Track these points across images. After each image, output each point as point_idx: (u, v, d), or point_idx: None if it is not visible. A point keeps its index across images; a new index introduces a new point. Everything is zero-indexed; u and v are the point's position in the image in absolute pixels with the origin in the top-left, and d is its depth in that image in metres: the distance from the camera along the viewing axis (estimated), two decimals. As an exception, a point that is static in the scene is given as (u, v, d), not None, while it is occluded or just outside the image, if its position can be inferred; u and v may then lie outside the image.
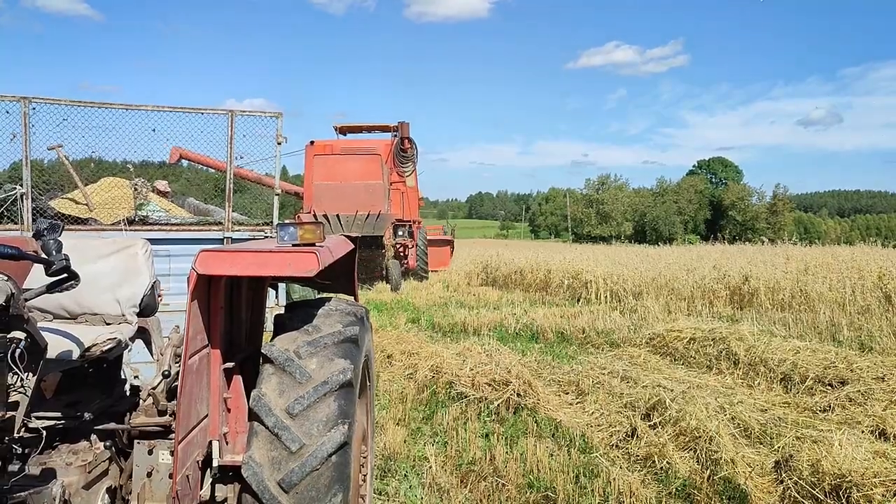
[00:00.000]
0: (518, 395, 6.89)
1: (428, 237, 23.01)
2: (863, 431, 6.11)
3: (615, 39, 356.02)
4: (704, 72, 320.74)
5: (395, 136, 20.40)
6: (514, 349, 9.78)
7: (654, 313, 11.86)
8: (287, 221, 3.97)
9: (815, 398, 7.12)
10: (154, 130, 5.66)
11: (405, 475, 5.27)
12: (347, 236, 4.04)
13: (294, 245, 3.08)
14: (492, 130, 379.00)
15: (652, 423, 6.25)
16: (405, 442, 5.95)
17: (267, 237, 6.10)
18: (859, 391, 6.92)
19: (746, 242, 23.57)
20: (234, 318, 3.54)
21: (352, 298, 4.25)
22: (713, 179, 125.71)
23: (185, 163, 22.51)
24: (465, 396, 7.06)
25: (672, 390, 7.33)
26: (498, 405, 6.82)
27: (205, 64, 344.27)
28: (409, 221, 20.53)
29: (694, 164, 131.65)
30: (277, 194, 6.13)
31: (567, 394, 7.42)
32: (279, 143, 6.11)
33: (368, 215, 17.09)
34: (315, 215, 17.11)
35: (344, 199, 17.14)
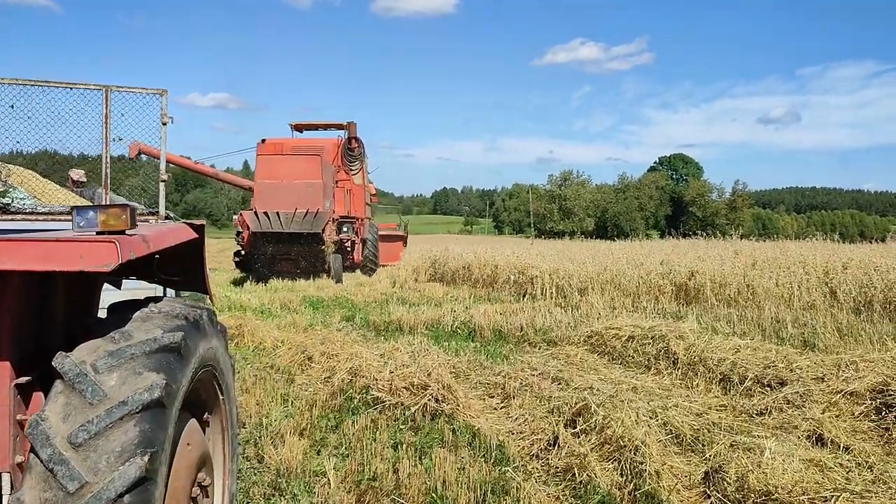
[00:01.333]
0: (436, 400, 6.36)
1: (380, 233, 23.58)
2: (799, 437, 5.73)
3: (581, 36, 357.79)
4: (668, 70, 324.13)
5: (343, 135, 21.16)
6: (448, 349, 9.28)
7: (597, 309, 11.44)
8: (87, 206, 3.33)
9: (752, 400, 6.71)
10: (12, 107, 4.91)
11: (295, 495, 4.71)
12: (194, 228, 3.45)
13: (98, 233, 2.52)
14: (458, 126, 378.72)
15: (576, 430, 5.77)
16: (305, 455, 5.37)
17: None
18: (797, 392, 6.53)
19: (700, 236, 23.36)
20: (47, 321, 2.95)
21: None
22: (674, 176, 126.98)
23: (144, 157, 23.42)
24: (381, 402, 6.52)
25: (602, 393, 6.88)
26: (414, 411, 6.29)
27: (167, 59, 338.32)
28: (355, 218, 20.99)
29: (655, 160, 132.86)
30: (164, 180, 5.45)
31: (492, 397, 6.92)
32: (164, 124, 5.43)
33: (307, 213, 18.02)
34: (256, 212, 18.22)
35: (284, 197, 18.17)
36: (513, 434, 5.93)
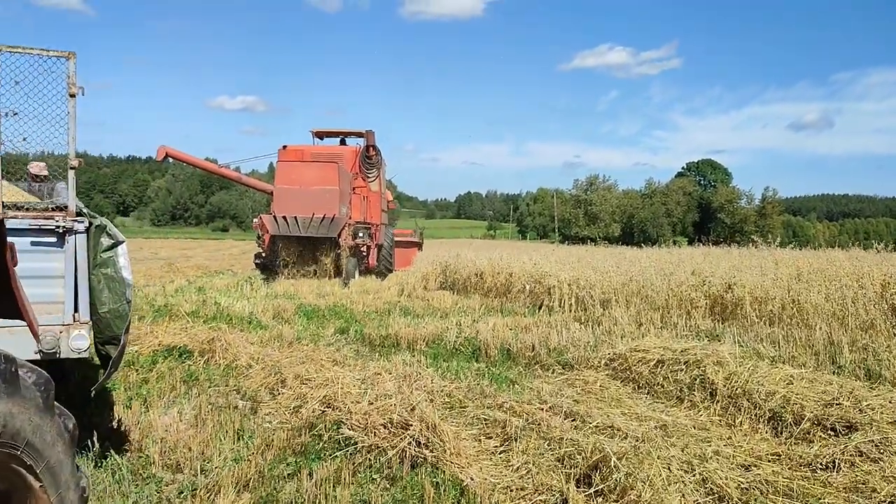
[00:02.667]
0: (418, 443, 5.14)
1: (395, 238, 24.32)
2: (880, 503, 4.44)
3: (609, 41, 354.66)
4: (697, 75, 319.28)
5: (362, 143, 21.92)
6: (447, 370, 8.05)
7: (621, 326, 10.14)
8: None
9: (813, 448, 5.40)
10: None
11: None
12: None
13: None
14: (484, 130, 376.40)
15: (591, 490, 4.52)
16: (243, 517, 4.20)
17: (59, 225, 4.31)
18: (872, 441, 5.22)
19: (733, 245, 21.90)
20: None
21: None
22: (702, 182, 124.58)
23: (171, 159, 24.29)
24: (353, 443, 5.31)
25: (625, 435, 5.62)
26: (391, 457, 5.08)
27: (198, 61, 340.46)
28: (371, 224, 21.56)
29: (683, 166, 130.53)
30: (73, 167, 4.26)
31: (490, 438, 5.67)
32: (72, 96, 4.26)
33: (323, 218, 18.72)
34: (275, 216, 18.98)
35: (301, 203, 18.89)
36: (510, 491, 4.70)
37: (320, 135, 24.05)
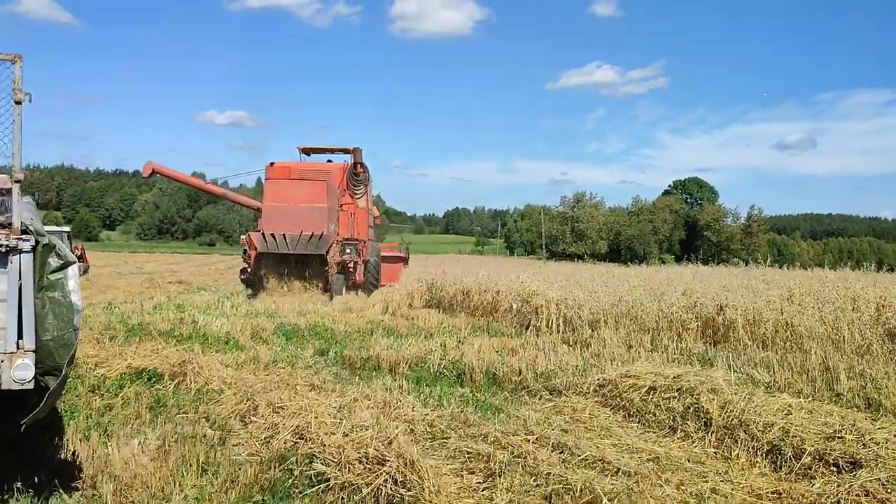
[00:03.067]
0: (395, 481, 4.77)
1: (382, 254, 24.42)
2: (892, 551, 4.13)
3: (596, 60, 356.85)
4: (683, 94, 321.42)
5: (349, 160, 22.23)
6: (429, 396, 7.69)
7: (610, 348, 9.82)
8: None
9: (815, 486, 5.08)
10: None
11: None
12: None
13: None
14: (472, 147, 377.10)
15: (581, 535, 4.18)
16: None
17: (2, 244, 3.94)
18: (879, 479, 4.90)
19: (721, 264, 21.74)
20: None
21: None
22: (688, 200, 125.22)
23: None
24: (326, 479, 4.94)
25: (618, 470, 5.28)
26: (366, 495, 4.71)
27: (186, 75, 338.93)
28: (358, 240, 21.71)
29: (669, 184, 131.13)
30: (18, 181, 3.89)
31: (472, 473, 5.30)
32: (17, 103, 3.91)
33: (312, 235, 19.04)
34: (264, 233, 19.27)
35: (290, 220, 19.19)
36: (494, 536, 4.34)
37: (307, 151, 24.09)
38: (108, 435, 6.05)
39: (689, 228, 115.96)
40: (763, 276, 14.99)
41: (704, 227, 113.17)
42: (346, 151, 23.27)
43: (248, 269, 21.28)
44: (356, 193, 22.44)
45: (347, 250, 20.81)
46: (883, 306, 9.87)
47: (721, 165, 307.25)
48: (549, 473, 5.07)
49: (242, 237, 22.64)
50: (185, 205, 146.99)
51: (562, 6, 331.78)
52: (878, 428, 5.74)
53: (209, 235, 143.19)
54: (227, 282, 31.32)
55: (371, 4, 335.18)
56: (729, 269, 19.16)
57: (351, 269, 21.30)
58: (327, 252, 19.45)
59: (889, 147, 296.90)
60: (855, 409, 6.78)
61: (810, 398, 7.10)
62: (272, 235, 19.22)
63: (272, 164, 21.23)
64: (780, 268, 20.49)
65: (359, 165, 22.15)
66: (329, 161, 24.25)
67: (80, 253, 32.27)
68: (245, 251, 21.60)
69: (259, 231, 19.76)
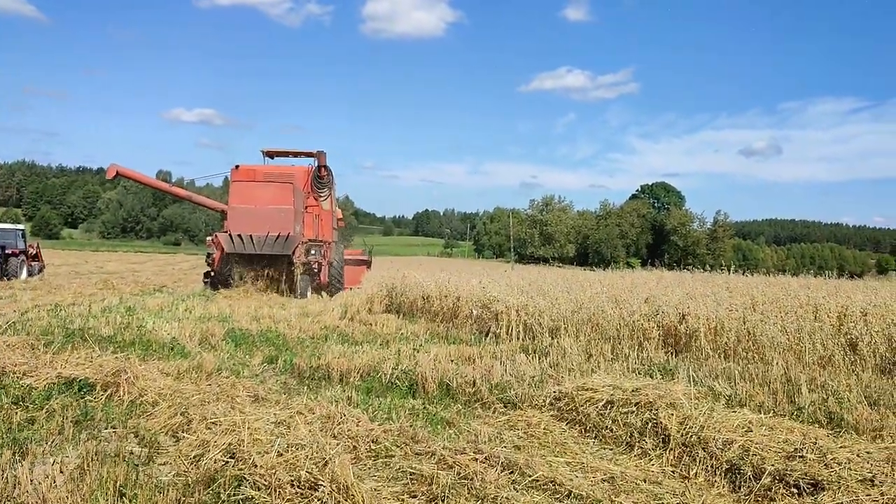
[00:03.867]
0: (327, 508, 4.40)
1: (346, 257, 24.93)
2: (855, 584, 3.86)
3: (568, 64, 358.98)
4: (653, 100, 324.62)
5: (313, 163, 22.51)
6: (378, 409, 7.31)
7: (570, 358, 9.53)
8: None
9: (775, 509, 4.82)
10: None
11: None
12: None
13: None
14: (444, 149, 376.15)
15: (525, 570, 3.85)
16: None
17: None
18: (841, 503, 4.66)
19: (686, 269, 21.69)
20: None
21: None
22: (656, 204, 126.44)
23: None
24: (254, 504, 4.55)
25: (570, 493, 4.98)
26: (296, 524, 4.33)
27: (155, 73, 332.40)
28: (323, 242, 22.14)
29: (637, 188, 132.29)
30: None
31: (414, 497, 4.95)
32: None
33: (278, 236, 19.59)
34: (231, 234, 19.66)
35: (257, 222, 19.73)
36: (432, 569, 3.99)
37: (271, 154, 24.13)
38: (24, 453, 5.58)
39: (655, 233, 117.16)
40: (727, 283, 14.85)
41: (671, 232, 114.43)
42: (309, 155, 23.48)
43: (212, 273, 21.70)
44: (320, 196, 22.70)
45: (312, 251, 21.09)
46: (844, 315, 9.73)
47: (689, 171, 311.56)
48: (495, 497, 4.75)
49: (209, 238, 22.76)
50: (150, 203, 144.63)
51: (534, 10, 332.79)
52: (840, 447, 5.49)
53: (174, 235, 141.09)
54: (189, 282, 30.63)
55: (343, 5, 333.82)
56: (693, 275, 19.04)
57: (316, 270, 21.57)
58: (293, 253, 19.88)
59: (850, 155, 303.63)
60: (816, 424, 6.56)
61: (771, 412, 6.88)
62: (239, 236, 19.60)
63: (237, 166, 21.49)
64: (744, 273, 20.49)
65: (323, 168, 22.42)
66: (292, 165, 24.30)
67: (35, 251, 31.34)
68: (209, 255, 22.19)
69: (226, 232, 20.06)
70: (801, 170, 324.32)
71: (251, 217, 20.02)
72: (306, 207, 21.91)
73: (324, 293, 21.50)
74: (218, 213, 24.32)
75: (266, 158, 23.98)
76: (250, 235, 19.62)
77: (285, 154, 24.36)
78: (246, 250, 19.75)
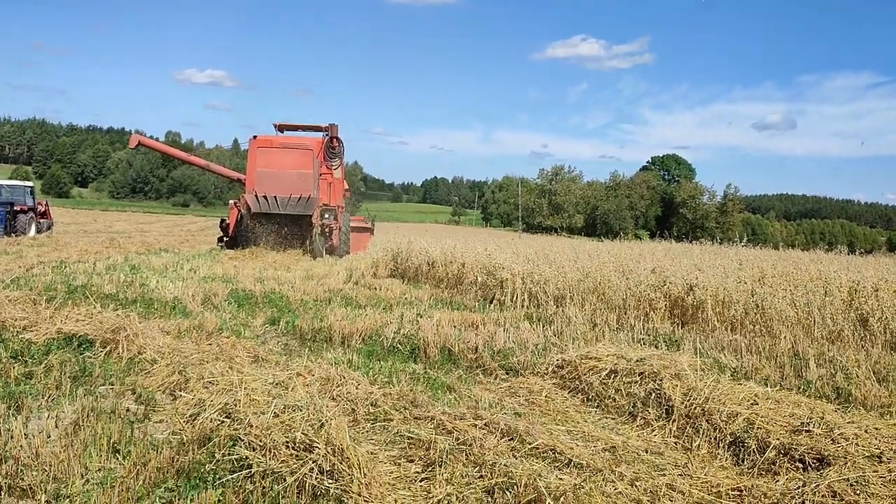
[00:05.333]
0: (321, 470, 4.33)
1: (351, 224, 26.41)
2: (859, 561, 3.77)
3: (583, 33, 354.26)
4: (666, 71, 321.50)
5: (326, 135, 24.09)
6: (378, 373, 7.24)
7: (574, 326, 9.43)
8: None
9: (779, 483, 4.72)
10: None
11: None
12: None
13: None
14: (454, 117, 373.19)
15: (520, 538, 3.77)
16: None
17: None
18: (847, 479, 4.55)
19: (694, 241, 21.49)
20: None
21: None
22: (666, 176, 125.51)
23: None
24: (248, 465, 4.48)
25: (570, 462, 4.89)
26: (290, 484, 4.26)
27: (167, 32, 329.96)
28: (335, 207, 23.86)
29: (648, 160, 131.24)
30: None
31: (411, 462, 4.88)
32: None
33: (300, 198, 21.51)
34: (256, 195, 21.44)
35: (280, 184, 21.76)
36: (425, 535, 3.93)
37: (282, 128, 25.61)
38: (20, 407, 5.54)
39: (665, 205, 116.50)
40: (736, 255, 14.68)
41: (680, 205, 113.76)
42: (317, 129, 25.19)
43: (226, 238, 24.01)
44: (332, 165, 24.17)
45: (326, 215, 22.92)
46: (856, 290, 9.57)
47: (700, 143, 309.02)
48: (494, 464, 4.65)
49: (232, 202, 24.67)
50: (160, 164, 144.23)
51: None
52: (848, 422, 5.39)
53: (183, 196, 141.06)
54: (196, 244, 30.63)
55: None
56: (702, 247, 18.84)
57: (328, 233, 23.33)
58: (313, 214, 21.77)
59: (865, 131, 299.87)
60: (824, 399, 6.45)
61: (778, 386, 6.77)
62: (264, 197, 21.31)
63: (255, 136, 23.39)
64: (754, 247, 20.28)
65: (335, 140, 23.92)
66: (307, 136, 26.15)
67: (43, 209, 31.37)
68: (223, 220, 24.70)
69: (252, 193, 21.76)
70: (814, 145, 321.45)
71: (275, 180, 21.86)
72: (320, 175, 23.55)
73: (327, 258, 22.32)
74: (234, 181, 26.57)
75: (277, 132, 25.39)
76: (275, 196, 21.28)
77: (296, 128, 25.89)
78: (271, 210, 21.33)
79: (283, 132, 25.48)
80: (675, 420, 5.90)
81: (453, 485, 4.44)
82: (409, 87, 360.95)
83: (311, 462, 4.39)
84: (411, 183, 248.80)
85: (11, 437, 4.76)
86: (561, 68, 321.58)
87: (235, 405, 5.34)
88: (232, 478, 4.39)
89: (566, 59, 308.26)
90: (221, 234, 24.89)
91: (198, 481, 4.36)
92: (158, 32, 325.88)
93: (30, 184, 31.96)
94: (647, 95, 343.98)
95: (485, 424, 5.53)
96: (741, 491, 4.71)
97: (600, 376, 6.74)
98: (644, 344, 8.45)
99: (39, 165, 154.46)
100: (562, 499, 3.94)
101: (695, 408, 5.90)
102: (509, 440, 5.30)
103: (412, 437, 5.22)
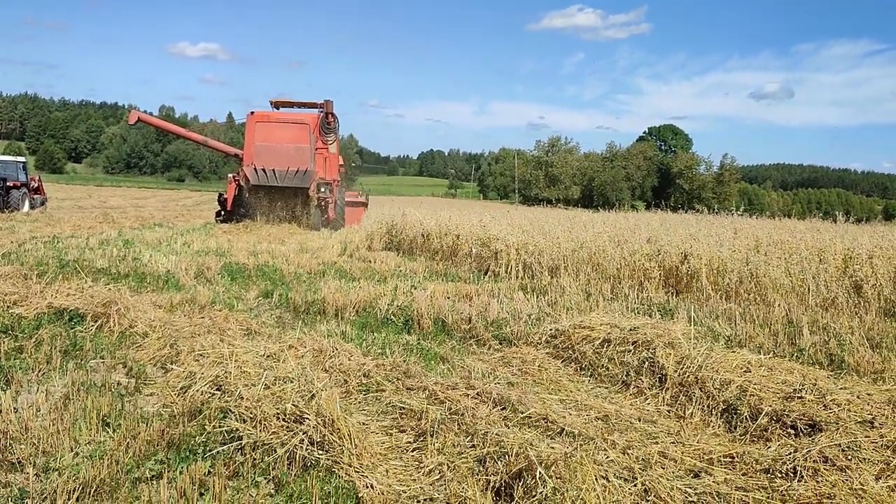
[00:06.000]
0: (311, 442, 4.31)
1: (346, 199, 27.37)
2: (849, 526, 3.77)
3: (579, 3, 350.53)
4: (663, 41, 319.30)
5: (322, 111, 24.48)
6: (372, 344, 7.22)
7: (569, 296, 9.40)
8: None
9: (771, 449, 4.72)
10: None
11: None
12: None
13: None
14: (449, 88, 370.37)
15: (511, 506, 3.76)
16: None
17: None
18: (839, 445, 4.54)
19: (690, 211, 21.44)
20: None
21: None
22: (662, 147, 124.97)
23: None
24: (239, 437, 4.46)
25: (562, 430, 4.89)
26: (281, 456, 4.25)
27: (158, 4, 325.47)
28: (330, 181, 24.46)
29: (644, 130, 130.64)
30: None
31: (403, 432, 4.86)
32: None
33: (298, 170, 22.08)
34: (255, 168, 21.99)
35: (278, 157, 22.19)
36: (416, 502, 3.92)
37: (278, 105, 26.06)
38: (9, 381, 5.51)
39: (662, 176, 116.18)
40: (731, 224, 14.64)
41: (677, 175, 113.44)
42: (312, 105, 25.73)
43: (223, 213, 24.52)
44: (328, 140, 24.72)
45: (322, 189, 23.48)
46: (850, 258, 9.54)
47: (697, 113, 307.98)
48: (486, 433, 4.64)
49: (231, 175, 25.13)
50: (154, 139, 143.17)
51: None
52: (840, 388, 5.38)
53: (178, 171, 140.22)
54: (191, 218, 30.52)
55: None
56: (697, 217, 18.78)
57: (324, 206, 23.95)
58: (310, 186, 22.37)
59: (863, 100, 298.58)
60: (817, 365, 6.45)
61: (771, 354, 6.76)
62: (263, 170, 21.88)
63: (252, 112, 23.89)
64: (750, 217, 20.22)
65: (330, 115, 24.42)
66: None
67: (37, 185, 31.17)
68: (221, 195, 25.17)
69: (251, 166, 22.24)
70: (811, 114, 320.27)
71: (273, 153, 22.22)
72: (316, 150, 23.85)
73: (329, 229, 23.22)
74: (231, 157, 27.01)
75: (273, 109, 25.81)
76: (273, 170, 21.84)
77: (292, 104, 26.34)
78: (269, 182, 22.00)
79: (279, 109, 25.89)
80: (668, 388, 5.89)
81: (445, 454, 4.43)
82: (404, 59, 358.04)
83: (301, 433, 4.37)
84: (407, 156, 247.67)
85: (0, 412, 4.73)
86: (557, 39, 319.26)
87: (226, 377, 5.32)
88: (222, 450, 4.38)
89: (563, 29, 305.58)
90: (219, 208, 25.35)
91: (188, 453, 4.34)
92: (151, 5, 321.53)
93: (22, 159, 31.71)
94: (643, 65, 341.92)
95: (477, 394, 5.52)
96: (733, 457, 4.70)
97: (593, 345, 6.73)
98: (638, 313, 8.44)
99: (32, 141, 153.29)
100: (553, 467, 3.92)
101: (688, 376, 5.88)
102: (501, 409, 5.30)
103: (404, 408, 5.20)
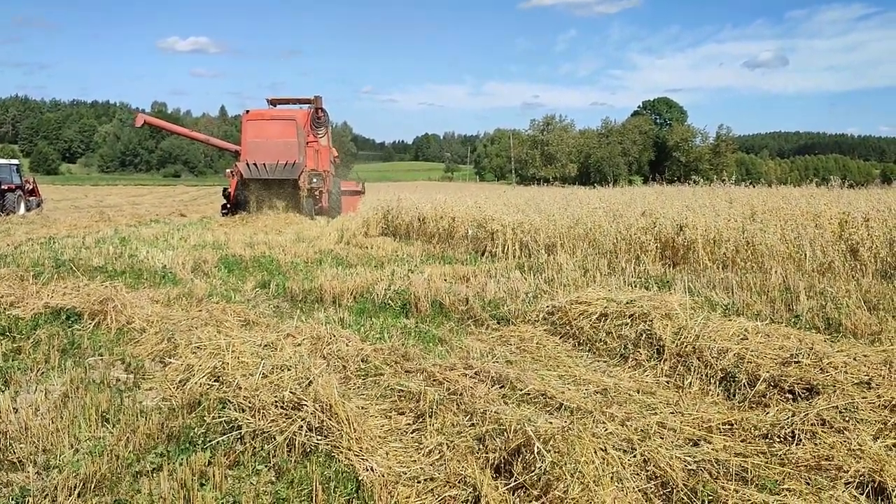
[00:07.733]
0: (310, 428, 4.32)
1: (342, 189, 28.29)
2: (847, 488, 3.79)
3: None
4: (655, 13, 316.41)
5: (312, 107, 25.74)
6: (371, 328, 7.23)
7: (566, 272, 9.40)
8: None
9: (770, 414, 4.74)
10: None
11: None
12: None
13: None
14: (443, 71, 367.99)
15: (511, 482, 3.78)
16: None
17: None
18: (836, 407, 4.56)
19: (686, 183, 21.41)
20: None
21: None
22: (658, 120, 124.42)
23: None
24: (238, 426, 4.48)
25: (561, 405, 4.90)
26: (280, 443, 4.26)
27: (145, 0, 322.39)
28: (322, 171, 25.43)
29: (639, 104, 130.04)
30: None
31: (402, 414, 4.88)
32: None
33: (286, 163, 23.27)
34: (248, 163, 23.45)
35: (268, 152, 23.49)
36: (417, 483, 3.93)
37: (274, 102, 27.48)
38: (8, 381, 5.51)
39: (658, 149, 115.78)
40: (727, 194, 14.61)
41: (673, 148, 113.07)
42: (307, 101, 26.87)
43: (228, 205, 25.45)
44: (318, 133, 25.90)
45: (314, 179, 24.36)
46: (846, 222, 9.53)
47: (691, 85, 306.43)
48: (484, 412, 4.65)
49: (228, 170, 26.06)
50: (148, 135, 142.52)
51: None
52: (837, 351, 5.39)
53: (174, 167, 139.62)
54: (187, 213, 30.46)
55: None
56: (693, 189, 18.76)
57: (317, 196, 24.98)
58: (299, 177, 23.33)
59: (858, 64, 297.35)
60: (814, 330, 6.46)
61: (768, 320, 6.76)
62: (255, 164, 23.28)
63: (248, 111, 25.29)
64: (747, 186, 20.17)
65: (320, 110, 25.70)
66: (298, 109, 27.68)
67: (31, 186, 31.07)
68: (225, 189, 26.08)
69: (244, 162, 23.65)
70: (806, 80, 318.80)
71: (264, 149, 23.56)
72: (308, 143, 25.03)
73: (319, 219, 23.59)
74: (233, 153, 27.83)
75: (270, 106, 27.17)
76: (264, 164, 23.16)
77: (287, 101, 27.77)
78: (261, 175, 23.28)
79: (275, 106, 27.30)
80: (666, 359, 5.90)
81: (444, 434, 4.45)
82: (396, 43, 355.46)
83: (299, 420, 4.39)
84: (402, 141, 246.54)
85: (0, 412, 4.74)
86: (549, 16, 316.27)
87: (224, 368, 5.33)
88: (222, 440, 4.39)
89: (554, 6, 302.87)
90: (224, 201, 26.51)
91: (188, 445, 4.36)
92: (139, 1, 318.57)
93: (15, 162, 31.57)
94: (636, 40, 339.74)
95: (475, 374, 5.54)
96: (732, 425, 4.72)
97: (590, 320, 6.73)
98: (635, 286, 8.44)
99: (25, 143, 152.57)
100: (551, 441, 3.92)
101: (685, 346, 5.89)
102: (500, 388, 5.31)
103: (403, 390, 5.21)
